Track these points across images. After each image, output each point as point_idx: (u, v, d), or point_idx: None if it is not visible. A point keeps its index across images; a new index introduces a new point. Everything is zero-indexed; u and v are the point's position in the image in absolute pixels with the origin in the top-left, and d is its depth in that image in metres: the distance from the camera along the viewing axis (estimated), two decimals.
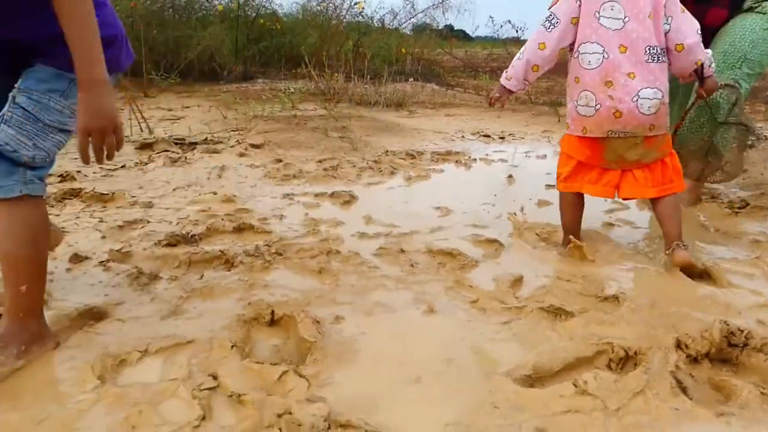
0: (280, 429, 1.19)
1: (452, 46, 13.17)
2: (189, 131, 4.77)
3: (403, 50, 10.65)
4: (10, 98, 1.41)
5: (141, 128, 4.77)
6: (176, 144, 4.36)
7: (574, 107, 2.23)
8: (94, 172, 3.47)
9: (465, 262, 2.21)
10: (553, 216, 2.86)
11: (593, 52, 2.14)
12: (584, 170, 2.28)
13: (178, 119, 5.51)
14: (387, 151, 4.42)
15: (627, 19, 2.10)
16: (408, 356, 1.56)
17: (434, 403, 1.37)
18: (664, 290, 2.01)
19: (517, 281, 2.07)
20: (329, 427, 1.21)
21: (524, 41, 2.34)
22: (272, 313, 1.75)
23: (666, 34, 2.13)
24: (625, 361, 1.56)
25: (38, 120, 1.42)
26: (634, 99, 2.10)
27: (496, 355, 1.59)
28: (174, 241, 2.32)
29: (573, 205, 2.38)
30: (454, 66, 11.86)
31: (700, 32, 2.15)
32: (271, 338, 1.68)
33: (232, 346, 1.54)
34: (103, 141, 1.37)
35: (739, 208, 2.97)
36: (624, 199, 2.35)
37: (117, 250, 2.19)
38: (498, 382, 1.43)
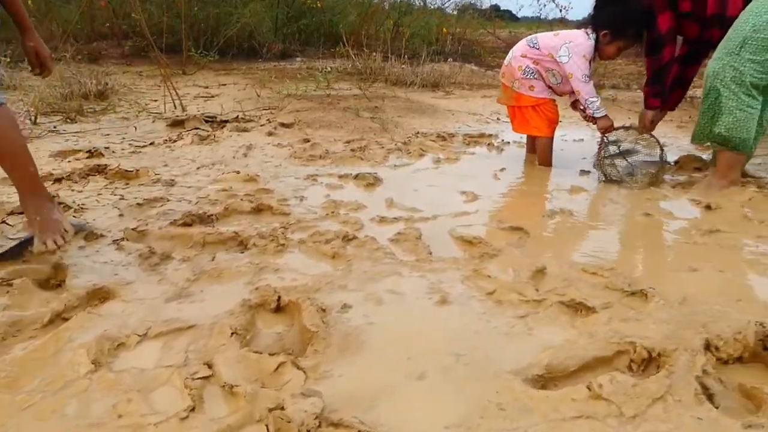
0: (267, 426, 1.13)
1: (496, 27, 12.84)
2: (221, 109, 4.76)
3: (445, 30, 10.43)
4: None
5: (174, 105, 4.78)
6: (207, 122, 4.36)
7: None
8: (123, 149, 3.48)
9: (486, 251, 2.11)
10: (584, 203, 2.73)
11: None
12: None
13: (212, 97, 5.51)
14: (418, 133, 4.31)
15: (555, 34, 3.35)
16: (416, 350, 1.48)
17: (437, 402, 1.29)
18: (698, 286, 1.87)
19: (539, 272, 1.96)
20: (320, 425, 1.15)
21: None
22: (278, 299, 1.69)
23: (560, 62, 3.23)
24: (648, 362, 1.44)
25: None
26: (509, 57, 3.43)
27: (508, 351, 1.50)
28: (190, 220, 2.29)
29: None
30: (495, 47, 11.55)
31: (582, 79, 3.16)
32: (276, 325, 1.63)
33: (232, 334, 1.49)
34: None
35: None
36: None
37: (132, 229, 2.17)
38: (507, 381, 1.35)
